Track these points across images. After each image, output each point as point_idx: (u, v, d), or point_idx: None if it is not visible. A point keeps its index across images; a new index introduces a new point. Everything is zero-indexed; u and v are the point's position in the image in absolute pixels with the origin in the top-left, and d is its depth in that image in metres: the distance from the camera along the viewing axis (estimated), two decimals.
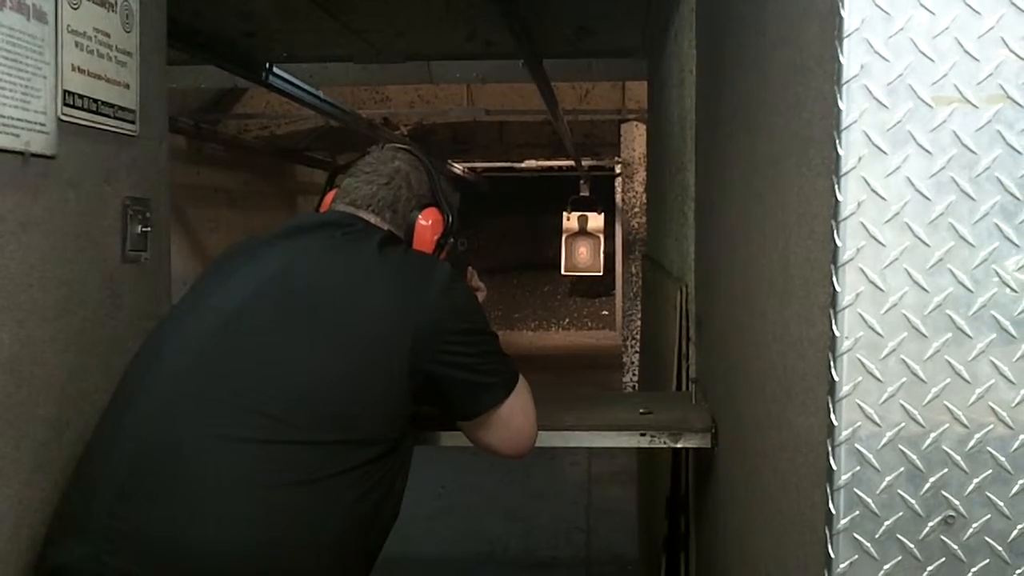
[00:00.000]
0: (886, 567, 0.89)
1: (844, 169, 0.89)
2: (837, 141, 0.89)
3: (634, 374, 7.51)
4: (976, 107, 0.87)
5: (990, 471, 0.88)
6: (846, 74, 0.88)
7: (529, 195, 13.10)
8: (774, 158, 1.21)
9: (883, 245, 0.88)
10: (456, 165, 10.54)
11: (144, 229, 1.70)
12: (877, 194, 0.88)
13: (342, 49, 3.95)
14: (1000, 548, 0.88)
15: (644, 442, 1.80)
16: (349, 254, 1.55)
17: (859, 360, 0.89)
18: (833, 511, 0.89)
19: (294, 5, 3.24)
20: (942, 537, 0.89)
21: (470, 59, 4.42)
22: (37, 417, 1.41)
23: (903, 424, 0.88)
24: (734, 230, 1.57)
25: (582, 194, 11.62)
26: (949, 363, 0.88)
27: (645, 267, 4.95)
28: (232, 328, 1.46)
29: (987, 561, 0.88)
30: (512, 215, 14.09)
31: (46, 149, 1.41)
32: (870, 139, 0.88)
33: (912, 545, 0.89)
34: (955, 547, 0.88)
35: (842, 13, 0.88)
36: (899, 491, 0.89)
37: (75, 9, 1.48)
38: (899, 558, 0.89)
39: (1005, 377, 0.87)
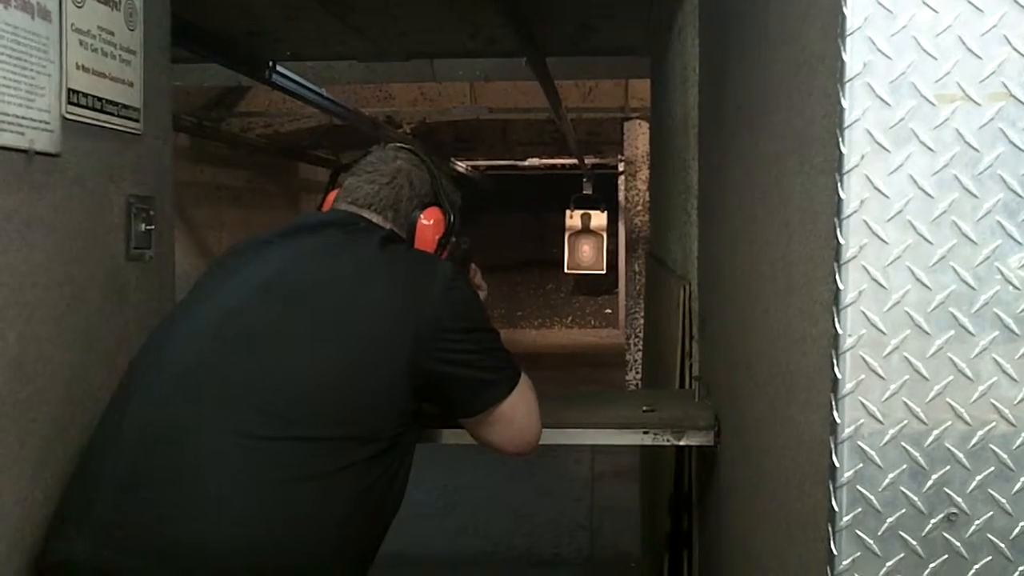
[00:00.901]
0: (888, 564, 0.89)
1: (847, 167, 0.89)
2: (840, 139, 0.89)
3: (637, 372, 7.50)
4: (979, 105, 0.87)
5: (992, 468, 0.88)
6: (849, 72, 0.88)
7: (532, 193, 13.09)
8: (777, 156, 1.21)
9: (886, 243, 0.88)
10: (459, 163, 10.53)
11: (148, 227, 1.71)
12: (880, 192, 0.88)
13: (345, 47, 3.95)
14: (1002, 545, 0.88)
15: (647, 440, 1.80)
16: (351, 253, 1.56)
17: (862, 357, 0.89)
18: (836, 508, 0.89)
19: (297, 3, 3.24)
20: (944, 534, 0.89)
21: (473, 57, 4.42)
22: (41, 414, 1.41)
23: (906, 421, 0.88)
24: (737, 228, 1.57)
25: (585, 192, 11.60)
26: (952, 360, 0.88)
27: (648, 265, 4.94)
28: (234, 326, 1.46)
29: (989, 558, 0.88)
30: (515, 213, 14.08)
31: (50, 147, 1.41)
32: (873, 137, 0.88)
33: (914, 542, 0.89)
34: (957, 544, 0.89)
35: (845, 11, 0.88)
36: (902, 488, 0.89)
37: (79, 7, 1.48)
38: (901, 555, 0.89)
39: (1007, 374, 0.87)
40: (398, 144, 1.79)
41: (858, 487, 0.89)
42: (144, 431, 1.38)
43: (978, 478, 0.88)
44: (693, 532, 2.27)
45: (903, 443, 0.89)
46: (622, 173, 9.94)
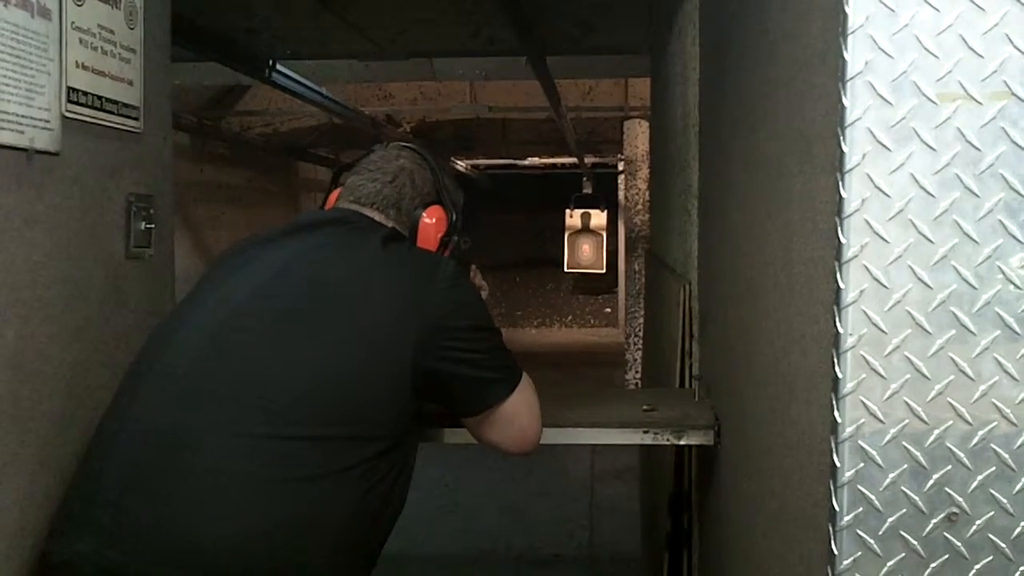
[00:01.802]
0: (889, 564, 0.89)
1: (848, 166, 0.89)
2: (841, 138, 0.89)
3: (637, 371, 7.50)
4: (980, 104, 0.87)
5: (993, 468, 0.88)
6: (850, 71, 0.88)
7: (532, 192, 13.08)
8: (777, 155, 1.21)
9: (887, 242, 0.88)
10: (459, 162, 10.53)
11: (148, 226, 1.71)
12: (881, 191, 0.88)
13: (345, 46, 3.95)
14: (1003, 545, 0.88)
15: (647, 439, 1.80)
16: (353, 251, 1.56)
17: (863, 357, 0.88)
18: (836, 508, 0.89)
19: (296, 2, 3.24)
20: (945, 534, 0.89)
21: (473, 56, 4.41)
22: (41, 413, 1.41)
23: (907, 421, 0.88)
24: (737, 227, 1.57)
25: (585, 191, 11.61)
26: (953, 360, 0.88)
27: (648, 264, 4.94)
28: (236, 325, 1.46)
29: (990, 558, 0.88)
30: (515, 212, 14.06)
31: (50, 146, 1.41)
32: (874, 136, 0.88)
33: (915, 542, 0.89)
34: (958, 544, 0.88)
35: (846, 9, 0.88)
36: (903, 488, 0.89)
37: (79, 6, 1.48)
38: (902, 555, 0.89)
39: (1009, 374, 0.87)
40: (401, 143, 1.79)
41: (859, 487, 0.89)
42: (145, 431, 1.38)
43: (979, 478, 0.88)
44: (693, 532, 2.27)
45: (904, 443, 0.88)
46: (622, 172, 9.95)
